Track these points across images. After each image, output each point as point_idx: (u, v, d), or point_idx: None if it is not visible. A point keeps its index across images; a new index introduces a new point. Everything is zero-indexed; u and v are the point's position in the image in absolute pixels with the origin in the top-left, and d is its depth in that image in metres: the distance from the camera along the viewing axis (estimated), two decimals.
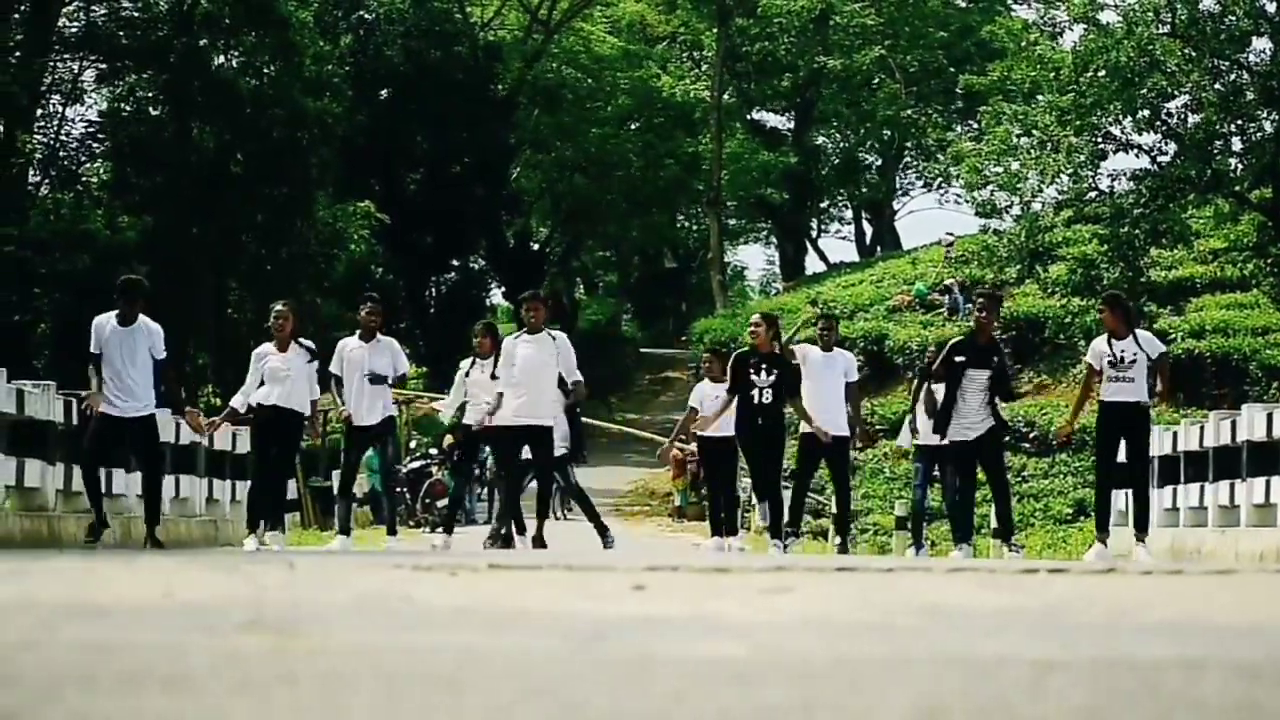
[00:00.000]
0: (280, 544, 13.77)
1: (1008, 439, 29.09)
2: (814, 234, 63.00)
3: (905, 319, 38.55)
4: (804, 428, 14.50)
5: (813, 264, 60.64)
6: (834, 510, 16.98)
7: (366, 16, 44.16)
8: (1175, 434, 16.28)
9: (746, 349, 14.09)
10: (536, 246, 54.95)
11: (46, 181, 33.10)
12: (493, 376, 13.79)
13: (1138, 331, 13.43)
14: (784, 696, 2.50)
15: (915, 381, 14.84)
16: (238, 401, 13.81)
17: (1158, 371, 13.17)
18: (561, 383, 13.88)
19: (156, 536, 12.52)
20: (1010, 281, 37.09)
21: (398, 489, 29.71)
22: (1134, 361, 13.00)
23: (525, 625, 3.67)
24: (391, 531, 14.77)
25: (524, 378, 13.36)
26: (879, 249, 57.87)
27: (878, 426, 27.63)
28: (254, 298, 32.80)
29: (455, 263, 47.61)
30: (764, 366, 13.74)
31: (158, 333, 12.29)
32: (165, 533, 14.88)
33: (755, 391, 13.75)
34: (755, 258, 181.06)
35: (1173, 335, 33.43)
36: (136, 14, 32.93)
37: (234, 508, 17.96)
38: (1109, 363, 13.06)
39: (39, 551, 11.03)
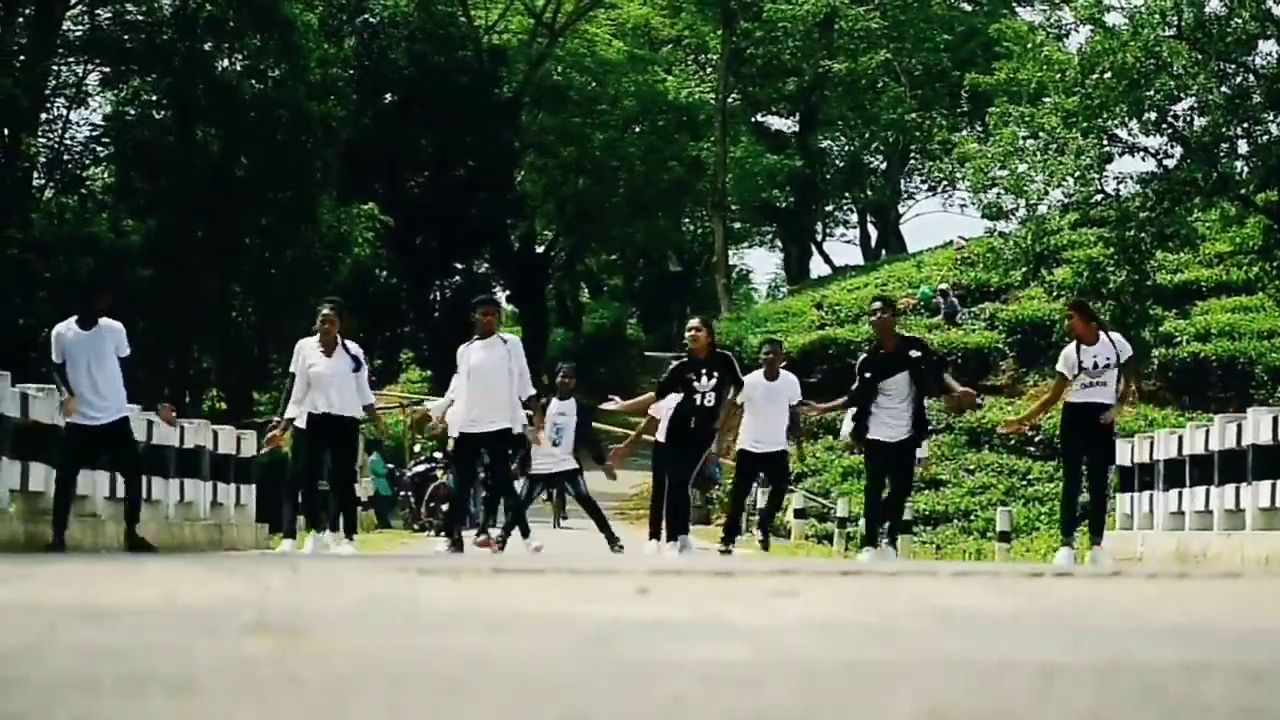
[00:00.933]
0: (353, 549, 13.56)
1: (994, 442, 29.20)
2: (819, 237, 63.02)
3: (910, 322, 38.52)
4: (739, 444, 14.82)
5: (818, 267, 60.75)
6: (762, 507, 17.87)
7: (371, 20, 44.16)
8: (1181, 437, 16.27)
9: (685, 360, 13.68)
10: (541, 250, 54.94)
11: (50, 185, 33.10)
12: None
13: (1111, 335, 13.31)
14: (787, 699, 2.50)
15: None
16: (293, 413, 13.62)
17: (1123, 374, 13.07)
18: (527, 404, 13.78)
19: (138, 535, 12.35)
20: (1016, 285, 37.08)
21: (402, 492, 29.80)
22: (1107, 366, 12.94)
23: (529, 628, 3.67)
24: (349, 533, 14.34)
25: (476, 384, 13.29)
26: (884, 252, 57.85)
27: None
28: (258, 301, 32.81)
29: (459, 266, 47.59)
30: (704, 371, 13.64)
31: (120, 330, 12.20)
32: (172, 536, 14.88)
33: (698, 396, 13.66)
34: (760, 261, 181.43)
35: (1178, 338, 33.44)
36: (140, 17, 32.92)
37: (238, 511, 17.96)
38: (1082, 369, 12.98)
39: (43, 555, 11.04)
